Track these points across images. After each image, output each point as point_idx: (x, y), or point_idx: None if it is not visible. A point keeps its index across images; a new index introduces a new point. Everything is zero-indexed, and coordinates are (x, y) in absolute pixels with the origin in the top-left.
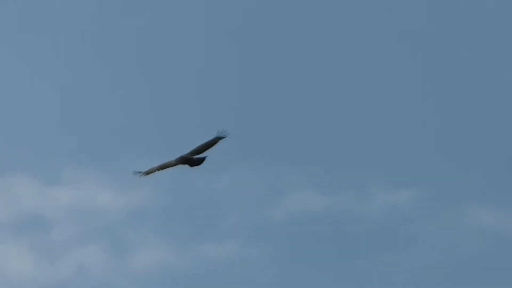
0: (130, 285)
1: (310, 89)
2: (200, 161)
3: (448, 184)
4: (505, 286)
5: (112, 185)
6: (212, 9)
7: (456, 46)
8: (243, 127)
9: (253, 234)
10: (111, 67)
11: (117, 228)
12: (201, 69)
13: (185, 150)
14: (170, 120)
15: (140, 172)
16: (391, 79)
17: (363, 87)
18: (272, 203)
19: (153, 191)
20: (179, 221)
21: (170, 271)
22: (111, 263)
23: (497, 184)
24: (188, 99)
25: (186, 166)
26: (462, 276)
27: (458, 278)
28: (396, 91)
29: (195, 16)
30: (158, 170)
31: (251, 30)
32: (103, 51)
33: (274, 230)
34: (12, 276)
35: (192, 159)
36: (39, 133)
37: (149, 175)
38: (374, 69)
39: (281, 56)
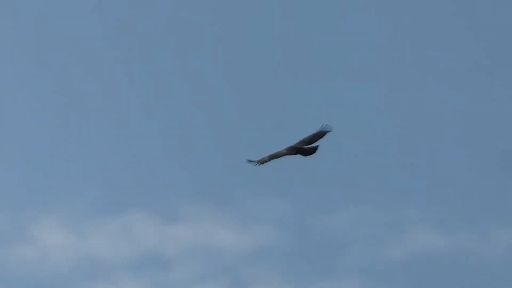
0: None
1: (436, 125)
2: (313, 150)
3: None
4: None
5: (231, 222)
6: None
7: None
8: (363, 165)
9: (373, 273)
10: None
11: (237, 266)
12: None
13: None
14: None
15: (253, 161)
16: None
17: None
18: (393, 241)
19: (273, 229)
20: (299, 259)
21: None
22: None
23: None
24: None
25: (299, 156)
26: None
27: None
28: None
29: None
30: (270, 159)
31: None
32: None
33: (394, 269)
34: None
35: (304, 149)
36: (156, 171)
37: (263, 164)
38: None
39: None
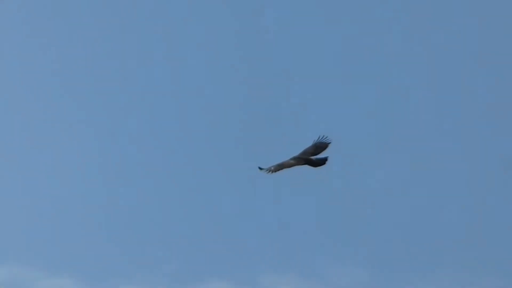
0: None
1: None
2: (323, 161)
3: None
4: None
5: None
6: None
7: None
8: (441, 231)
9: None
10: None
11: None
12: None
13: None
14: None
15: (263, 168)
16: None
17: None
18: None
19: None
20: None
21: None
22: None
23: None
24: None
25: (307, 167)
26: None
27: None
28: None
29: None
30: (279, 169)
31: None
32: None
33: None
34: None
35: (312, 160)
36: (235, 240)
37: (273, 173)
38: None
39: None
